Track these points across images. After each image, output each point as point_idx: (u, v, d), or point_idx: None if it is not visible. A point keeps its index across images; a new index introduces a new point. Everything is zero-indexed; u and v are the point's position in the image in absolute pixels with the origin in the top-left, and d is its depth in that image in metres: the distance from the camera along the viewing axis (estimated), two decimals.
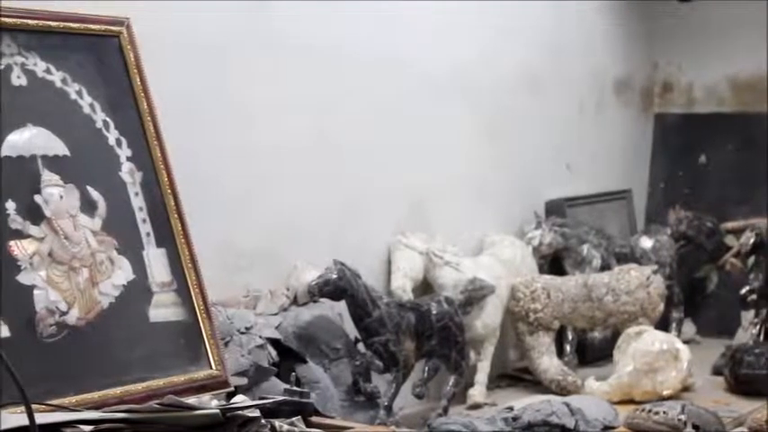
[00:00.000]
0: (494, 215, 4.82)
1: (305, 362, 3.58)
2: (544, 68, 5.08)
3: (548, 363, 4.48)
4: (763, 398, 4.32)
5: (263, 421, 2.53)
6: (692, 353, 4.48)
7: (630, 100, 5.77)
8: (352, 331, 3.79)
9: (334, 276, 3.63)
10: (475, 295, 4.26)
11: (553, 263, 4.94)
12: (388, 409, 3.72)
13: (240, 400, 2.81)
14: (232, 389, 3.10)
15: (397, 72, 4.29)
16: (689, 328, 5.42)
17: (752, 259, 5.10)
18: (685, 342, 4.80)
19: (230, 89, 3.66)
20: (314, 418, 2.95)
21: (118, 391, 2.77)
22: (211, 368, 3.03)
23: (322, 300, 3.75)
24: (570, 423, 3.78)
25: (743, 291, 5.03)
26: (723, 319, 5.43)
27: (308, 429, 2.78)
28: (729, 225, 5.51)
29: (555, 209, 5.08)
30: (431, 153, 4.47)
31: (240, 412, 2.48)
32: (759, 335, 5.00)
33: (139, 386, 2.83)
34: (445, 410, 4.00)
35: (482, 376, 4.38)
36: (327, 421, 2.96)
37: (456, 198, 4.60)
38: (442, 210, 4.50)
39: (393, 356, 3.73)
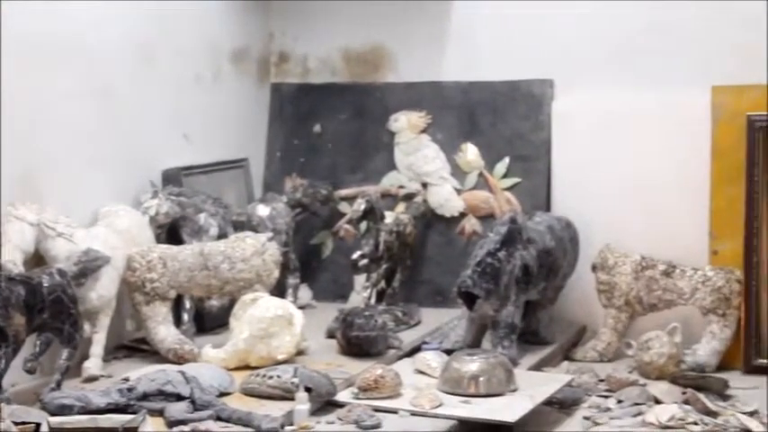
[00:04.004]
0: (109, 185, 4.75)
1: None
2: (156, 38, 5.05)
3: (164, 332, 4.47)
4: (373, 358, 4.51)
5: None
6: (308, 317, 4.61)
7: (247, 70, 5.83)
8: None
9: None
10: (89, 266, 4.21)
11: (170, 232, 4.92)
12: None
13: None
14: None
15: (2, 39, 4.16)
16: (305, 293, 5.55)
17: (363, 225, 5.27)
18: (302, 307, 4.93)
19: None
20: None
21: None
22: None
23: None
24: (185, 391, 3.82)
25: (354, 256, 5.18)
26: (338, 283, 5.63)
27: None
28: (342, 192, 5.71)
29: (172, 178, 5.06)
30: (41, 123, 4.36)
31: None
32: (370, 298, 5.18)
33: None
34: (58, 384, 3.93)
35: (98, 348, 4.33)
36: None
37: (69, 168, 4.51)
38: (54, 180, 4.40)
39: (2, 332, 3.63)
